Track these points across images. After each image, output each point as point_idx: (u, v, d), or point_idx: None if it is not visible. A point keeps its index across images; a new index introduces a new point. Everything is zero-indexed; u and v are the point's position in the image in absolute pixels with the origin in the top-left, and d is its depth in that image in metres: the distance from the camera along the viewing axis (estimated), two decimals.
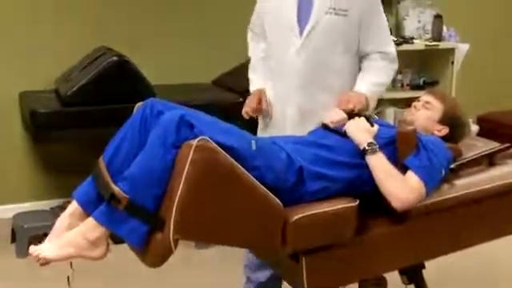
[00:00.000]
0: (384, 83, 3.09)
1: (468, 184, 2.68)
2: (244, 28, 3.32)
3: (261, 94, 3.10)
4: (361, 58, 3.07)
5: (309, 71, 2.98)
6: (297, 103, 3.02)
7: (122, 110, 2.65)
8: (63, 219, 2.29)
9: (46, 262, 2.18)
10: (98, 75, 4.05)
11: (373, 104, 3.02)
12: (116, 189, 2.15)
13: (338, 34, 2.97)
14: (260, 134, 3.19)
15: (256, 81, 3.20)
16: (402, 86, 5.52)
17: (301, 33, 2.96)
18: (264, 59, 3.18)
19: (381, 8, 3.08)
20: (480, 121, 5.66)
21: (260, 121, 3.23)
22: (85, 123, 4.10)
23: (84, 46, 4.47)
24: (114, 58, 4.10)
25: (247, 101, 3.14)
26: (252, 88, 3.20)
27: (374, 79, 3.03)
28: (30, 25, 4.50)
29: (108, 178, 2.22)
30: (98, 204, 2.22)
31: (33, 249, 2.20)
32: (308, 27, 2.95)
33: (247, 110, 3.09)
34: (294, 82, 3.00)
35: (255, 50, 3.25)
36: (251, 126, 3.14)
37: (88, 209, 2.27)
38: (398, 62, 3.13)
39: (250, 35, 3.31)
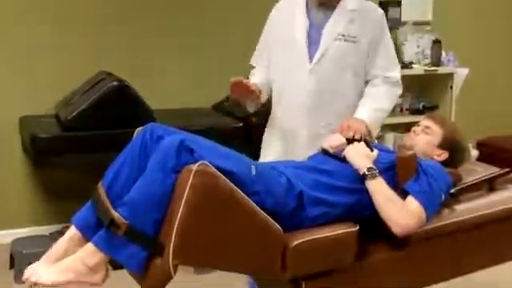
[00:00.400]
0: (385, 109, 3.10)
1: (468, 209, 2.68)
2: (244, 53, 3.34)
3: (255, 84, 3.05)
4: (366, 82, 3.11)
5: (318, 95, 3.02)
6: (307, 125, 3.05)
7: (123, 134, 2.65)
8: (61, 244, 2.28)
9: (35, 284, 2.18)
10: (98, 100, 4.05)
11: (375, 130, 3.04)
12: (116, 214, 2.15)
13: (347, 60, 3.03)
14: (264, 154, 3.22)
15: (254, 79, 3.17)
16: (402, 110, 5.53)
17: (311, 58, 3.02)
18: (268, 79, 3.18)
19: (388, 34, 3.15)
20: (480, 145, 5.66)
21: (264, 142, 3.25)
22: (85, 148, 4.09)
23: (84, 70, 4.48)
24: (115, 83, 4.10)
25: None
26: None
27: (375, 105, 3.05)
28: (29, 48, 4.51)
29: (108, 204, 2.21)
30: (96, 229, 2.21)
31: (28, 272, 2.19)
32: (318, 53, 3.01)
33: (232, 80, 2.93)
34: (304, 104, 3.04)
35: (259, 72, 3.25)
36: (252, 150, 3.15)
37: (87, 234, 2.26)
38: (401, 87, 3.15)
39: (253, 65, 3.30)
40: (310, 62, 3.01)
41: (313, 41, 3.03)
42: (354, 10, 3.05)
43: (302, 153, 2.93)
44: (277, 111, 3.18)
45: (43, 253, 2.30)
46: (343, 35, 3.01)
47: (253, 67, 3.29)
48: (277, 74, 3.15)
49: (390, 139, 5.28)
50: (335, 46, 3.01)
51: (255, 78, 3.16)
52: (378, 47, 3.08)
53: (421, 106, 5.50)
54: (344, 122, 2.88)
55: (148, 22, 4.80)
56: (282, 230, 2.29)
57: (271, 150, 3.17)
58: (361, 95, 3.09)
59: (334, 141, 2.73)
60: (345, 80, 3.05)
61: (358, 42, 3.03)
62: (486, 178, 2.84)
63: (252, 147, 3.33)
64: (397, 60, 3.21)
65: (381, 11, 3.15)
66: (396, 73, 3.14)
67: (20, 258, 3.99)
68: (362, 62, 3.06)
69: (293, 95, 3.06)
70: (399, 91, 3.15)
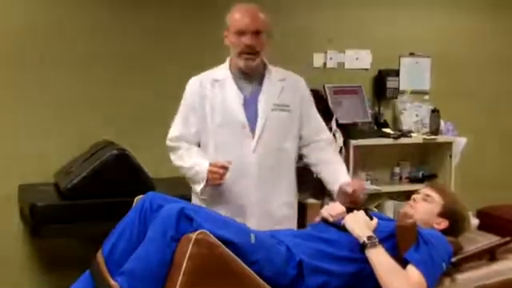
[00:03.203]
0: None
1: (469, 279, 2.64)
2: None
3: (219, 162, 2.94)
4: (303, 143, 3.20)
5: (263, 167, 3.04)
6: (256, 197, 3.05)
7: (122, 203, 2.65)
8: None
9: None
10: (97, 168, 4.06)
11: None
12: (114, 284, 2.14)
13: (285, 128, 3.11)
14: None
15: (201, 158, 3.06)
16: (401, 178, 5.54)
17: (252, 130, 3.03)
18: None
19: (313, 100, 3.27)
20: (480, 214, 5.63)
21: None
22: (84, 217, 4.07)
23: (84, 139, 4.51)
24: (114, 152, 4.12)
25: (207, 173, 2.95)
26: (200, 165, 3.01)
27: (343, 165, 3.22)
28: (29, 118, 4.54)
29: (106, 273, 2.20)
30: None
31: None
32: (259, 125, 3.04)
33: (215, 176, 2.90)
34: (253, 176, 3.04)
35: (189, 151, 3.15)
36: None
37: None
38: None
39: (176, 149, 3.21)
40: (253, 133, 3.02)
41: (250, 113, 3.05)
42: (283, 80, 3.13)
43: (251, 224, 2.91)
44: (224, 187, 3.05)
45: None
46: (278, 105, 3.08)
47: (175, 146, 3.21)
48: (216, 152, 3.08)
49: (389, 207, 5.27)
50: (273, 117, 3.06)
51: (200, 158, 3.07)
52: (309, 113, 3.20)
53: (420, 175, 5.51)
54: (350, 185, 2.98)
55: (147, 90, 4.85)
56: None
57: None
58: (296, 154, 3.18)
59: (333, 209, 2.73)
60: (285, 148, 3.11)
61: (291, 111, 3.11)
62: (487, 247, 2.81)
63: None
64: (323, 121, 3.33)
65: (302, 78, 3.26)
66: (328, 133, 3.30)
67: None
68: (296, 127, 3.15)
69: (241, 168, 3.01)
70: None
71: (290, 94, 3.13)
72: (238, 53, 3.02)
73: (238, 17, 3.02)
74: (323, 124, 3.29)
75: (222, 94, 3.07)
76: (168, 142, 3.22)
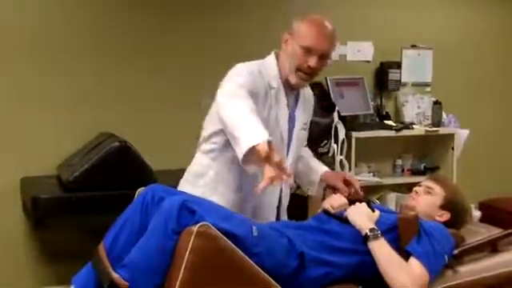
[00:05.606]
0: None
1: (471, 271, 2.65)
2: None
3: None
4: None
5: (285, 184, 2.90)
6: (274, 203, 2.92)
7: (124, 195, 2.65)
8: None
9: None
10: (99, 161, 4.06)
11: None
12: (116, 276, 2.14)
13: (302, 145, 3.05)
14: None
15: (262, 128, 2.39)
16: (403, 171, 5.54)
17: (288, 146, 2.89)
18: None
19: None
20: (482, 207, 5.63)
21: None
22: (86, 209, 4.08)
23: (86, 132, 4.50)
24: (116, 144, 4.12)
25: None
26: (260, 136, 2.31)
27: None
28: (31, 110, 4.53)
29: (108, 265, 2.20)
30: None
31: None
32: (294, 142, 2.91)
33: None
34: (278, 186, 2.87)
35: (245, 105, 2.51)
36: None
37: None
38: None
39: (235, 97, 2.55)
40: (288, 149, 2.88)
41: (289, 130, 2.89)
42: (305, 94, 3.00)
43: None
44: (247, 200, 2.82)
45: None
46: (305, 124, 2.98)
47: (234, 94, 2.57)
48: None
49: (391, 199, 5.27)
50: (301, 135, 2.96)
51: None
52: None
53: (422, 167, 5.51)
54: (344, 180, 2.95)
55: (149, 83, 4.84)
56: None
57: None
58: None
59: (335, 201, 2.73)
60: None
61: (306, 129, 3.02)
62: (489, 239, 2.81)
63: None
64: None
65: (312, 92, 3.12)
66: None
67: None
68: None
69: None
70: None
71: (307, 111, 3.01)
72: (295, 67, 2.74)
73: (311, 31, 2.71)
74: None
75: (275, 104, 2.80)
76: (221, 98, 2.58)
